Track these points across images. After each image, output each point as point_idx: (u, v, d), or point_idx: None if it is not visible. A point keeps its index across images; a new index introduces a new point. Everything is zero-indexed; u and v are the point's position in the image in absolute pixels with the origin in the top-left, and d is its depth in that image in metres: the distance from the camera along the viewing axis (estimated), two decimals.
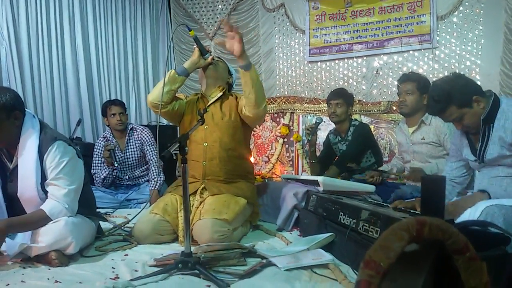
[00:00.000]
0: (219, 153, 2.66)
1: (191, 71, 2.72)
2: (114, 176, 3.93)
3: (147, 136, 3.96)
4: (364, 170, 3.39)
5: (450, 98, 2.07)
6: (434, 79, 4.49)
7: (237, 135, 2.73)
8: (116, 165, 3.81)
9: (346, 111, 3.57)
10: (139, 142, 3.96)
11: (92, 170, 3.93)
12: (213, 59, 2.75)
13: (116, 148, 3.86)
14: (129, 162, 3.96)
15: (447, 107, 2.09)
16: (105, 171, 3.87)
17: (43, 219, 2.02)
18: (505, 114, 2.05)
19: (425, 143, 3.04)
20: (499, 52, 4.30)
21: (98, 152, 3.95)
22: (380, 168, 3.36)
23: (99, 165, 3.93)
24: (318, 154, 3.94)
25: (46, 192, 2.09)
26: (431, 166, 2.96)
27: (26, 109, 2.15)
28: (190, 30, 2.62)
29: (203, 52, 2.70)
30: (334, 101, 3.57)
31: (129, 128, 3.99)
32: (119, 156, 3.90)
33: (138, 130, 3.99)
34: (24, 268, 1.96)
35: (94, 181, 3.90)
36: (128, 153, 3.95)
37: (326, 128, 4.80)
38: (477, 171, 2.30)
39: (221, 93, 2.78)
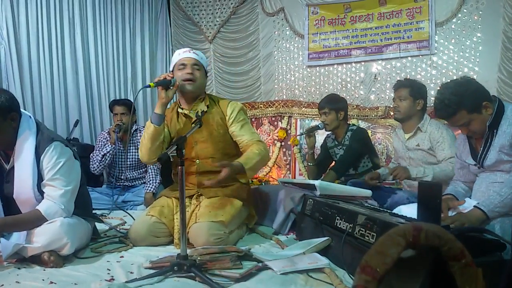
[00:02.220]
0: (212, 168, 2.57)
1: (164, 112, 2.52)
2: (111, 163, 3.94)
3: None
4: (362, 176, 3.38)
5: (461, 102, 2.05)
6: (432, 85, 4.57)
7: (228, 149, 2.68)
8: (116, 145, 3.87)
9: (335, 118, 3.50)
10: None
11: (91, 154, 3.95)
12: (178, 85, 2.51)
13: (122, 124, 3.88)
14: (128, 162, 3.98)
15: (457, 112, 2.07)
16: (107, 148, 3.87)
17: (39, 219, 2.01)
18: (508, 120, 2.06)
19: (420, 149, 3.05)
20: (497, 59, 4.32)
21: (101, 139, 4.00)
22: (378, 171, 3.35)
23: (100, 150, 3.92)
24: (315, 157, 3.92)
25: (42, 193, 2.09)
26: (418, 169, 2.95)
27: (22, 110, 2.15)
28: (148, 87, 2.39)
29: (168, 84, 2.45)
30: (321, 110, 3.54)
31: (134, 129, 4.00)
32: (119, 156, 3.94)
33: (142, 132, 4.00)
34: (19, 268, 1.95)
35: (90, 163, 3.91)
36: (128, 153, 3.97)
37: (323, 132, 4.81)
38: (477, 175, 2.30)
39: (205, 108, 2.64)
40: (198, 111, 2.58)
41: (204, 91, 2.73)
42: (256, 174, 2.52)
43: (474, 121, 2.09)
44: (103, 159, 3.86)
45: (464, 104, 2.05)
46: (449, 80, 2.26)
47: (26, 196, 2.07)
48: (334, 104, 3.53)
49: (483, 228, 1.86)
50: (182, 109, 2.69)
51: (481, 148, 2.16)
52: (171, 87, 2.47)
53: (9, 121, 2.05)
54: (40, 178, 2.08)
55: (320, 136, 4.38)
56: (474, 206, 2.03)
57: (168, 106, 2.63)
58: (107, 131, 4.06)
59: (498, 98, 2.14)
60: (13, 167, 2.09)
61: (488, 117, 2.09)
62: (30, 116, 2.17)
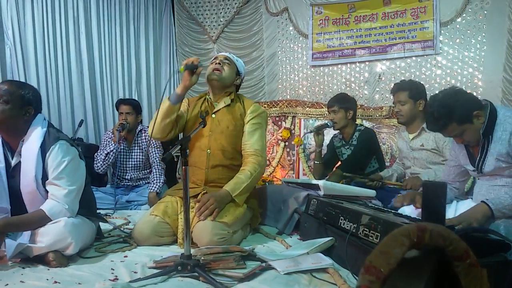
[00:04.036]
0: (221, 161, 2.66)
1: (184, 95, 2.58)
2: (115, 162, 3.94)
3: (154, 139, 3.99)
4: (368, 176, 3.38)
5: (451, 115, 2.02)
6: (436, 85, 4.55)
7: (239, 145, 2.71)
8: (119, 142, 3.88)
9: (344, 117, 3.51)
10: (145, 144, 3.99)
11: (95, 154, 3.96)
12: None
13: (126, 124, 3.90)
14: (133, 162, 3.99)
15: (448, 124, 2.04)
16: (110, 147, 3.88)
17: (43, 219, 2.02)
18: (502, 125, 2.03)
19: (424, 149, 3.04)
20: (502, 59, 4.30)
21: (106, 139, 4.02)
22: (381, 173, 3.35)
23: (104, 147, 3.95)
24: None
25: (47, 191, 2.10)
26: (429, 172, 2.95)
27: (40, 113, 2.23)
28: (179, 72, 2.49)
29: (194, 68, 2.47)
30: (331, 108, 3.55)
31: (139, 129, 4.02)
32: (124, 155, 3.96)
33: (147, 132, 4.02)
34: (23, 268, 1.96)
35: (94, 163, 3.91)
36: (133, 153, 3.98)
37: (328, 132, 4.80)
38: (477, 178, 2.29)
39: (229, 101, 2.73)
40: (202, 111, 2.59)
41: (230, 86, 2.80)
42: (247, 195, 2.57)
43: (467, 132, 2.06)
44: (106, 157, 3.87)
45: (454, 116, 2.01)
46: (437, 92, 2.23)
47: (31, 189, 2.09)
48: (343, 103, 3.53)
49: (487, 228, 1.86)
50: (210, 98, 2.81)
51: (479, 155, 2.14)
52: (195, 71, 2.49)
53: (23, 112, 2.12)
54: (45, 175, 2.10)
55: (326, 136, 4.37)
56: (482, 201, 2.01)
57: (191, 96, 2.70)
58: (111, 131, 4.08)
59: (490, 102, 2.10)
60: (19, 163, 2.12)
61: (480, 125, 2.05)
62: (44, 118, 2.23)
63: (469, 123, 2.04)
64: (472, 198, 2.32)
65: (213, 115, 2.70)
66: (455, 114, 2.01)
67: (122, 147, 3.94)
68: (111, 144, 3.88)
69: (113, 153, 3.87)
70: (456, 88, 2.19)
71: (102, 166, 3.90)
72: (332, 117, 3.52)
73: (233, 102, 2.76)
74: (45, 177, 2.10)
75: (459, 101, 2.02)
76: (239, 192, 2.51)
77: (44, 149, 2.10)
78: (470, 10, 4.51)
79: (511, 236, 1.74)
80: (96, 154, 3.96)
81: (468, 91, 2.26)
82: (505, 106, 2.51)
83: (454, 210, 2.26)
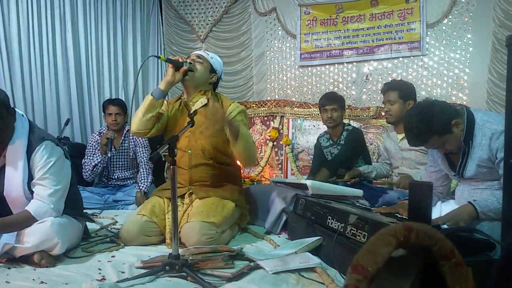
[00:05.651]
0: (204, 161, 2.64)
1: (168, 90, 2.60)
2: (104, 166, 3.91)
3: (142, 139, 3.96)
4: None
5: (430, 129, 2.02)
6: (423, 86, 4.59)
7: (221, 145, 2.67)
8: (109, 155, 3.82)
9: (341, 115, 3.57)
10: (133, 143, 3.96)
11: (82, 160, 3.92)
12: (187, 70, 2.59)
13: (112, 137, 3.84)
14: (120, 162, 3.96)
15: (429, 138, 2.05)
16: (97, 158, 3.84)
17: (29, 220, 2.00)
18: (481, 130, 2.05)
19: (413, 150, 3.06)
20: (487, 60, 4.36)
21: (92, 143, 3.96)
22: (360, 168, 3.37)
23: (91, 156, 3.90)
24: (303, 157, 3.92)
25: (32, 192, 2.07)
26: (420, 173, 2.98)
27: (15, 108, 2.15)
28: (159, 57, 2.58)
29: (177, 66, 2.56)
30: (330, 106, 3.53)
31: (126, 129, 3.98)
32: (112, 155, 3.91)
33: None
34: (9, 268, 1.94)
35: (83, 171, 3.87)
36: (120, 153, 3.95)
37: (315, 132, 4.82)
38: (458, 182, 2.32)
39: (205, 101, 2.68)
40: (190, 111, 2.58)
41: (205, 85, 2.74)
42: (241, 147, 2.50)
43: (448, 141, 2.07)
44: (94, 169, 3.85)
45: (433, 129, 2.02)
46: (414, 105, 2.22)
47: (16, 194, 2.06)
48: (340, 102, 3.59)
49: (473, 228, 1.88)
50: (185, 98, 2.75)
51: (459, 161, 2.15)
52: (179, 71, 2.56)
53: (10, 116, 2.05)
54: (30, 177, 2.07)
55: (313, 136, 4.38)
56: (468, 202, 2.03)
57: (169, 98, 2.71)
58: (97, 133, 4.03)
59: (466, 107, 2.12)
60: (3, 166, 2.08)
61: (460, 133, 2.06)
62: (22, 115, 2.17)
63: (449, 133, 2.04)
64: (453, 199, 2.35)
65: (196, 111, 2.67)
66: (434, 127, 2.02)
67: (108, 156, 3.88)
68: (98, 155, 3.84)
69: (101, 164, 3.85)
70: (429, 100, 2.19)
71: (90, 176, 3.90)
72: (331, 115, 3.51)
73: (210, 102, 2.70)
74: (30, 179, 2.07)
75: (435, 113, 2.02)
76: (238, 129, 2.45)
77: (29, 150, 2.06)
78: (456, 12, 4.57)
79: (495, 235, 1.77)
80: (83, 160, 3.91)
81: (442, 100, 2.26)
82: (481, 109, 2.53)
83: (439, 211, 2.28)
